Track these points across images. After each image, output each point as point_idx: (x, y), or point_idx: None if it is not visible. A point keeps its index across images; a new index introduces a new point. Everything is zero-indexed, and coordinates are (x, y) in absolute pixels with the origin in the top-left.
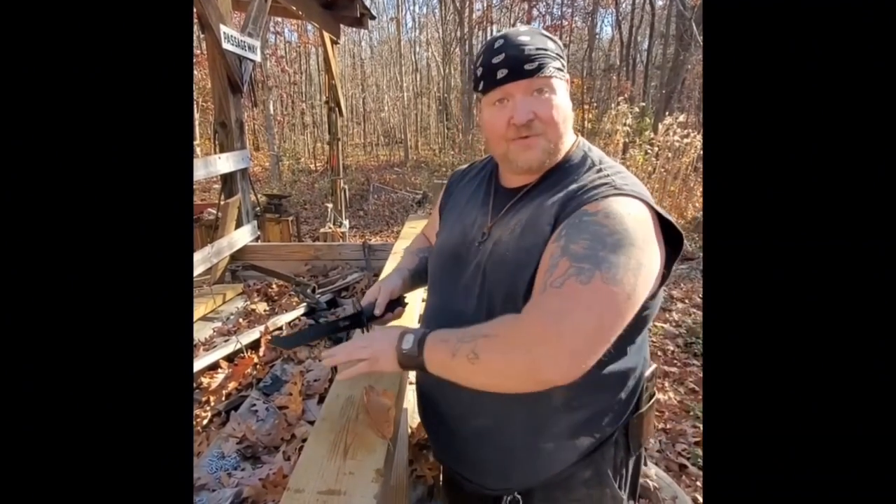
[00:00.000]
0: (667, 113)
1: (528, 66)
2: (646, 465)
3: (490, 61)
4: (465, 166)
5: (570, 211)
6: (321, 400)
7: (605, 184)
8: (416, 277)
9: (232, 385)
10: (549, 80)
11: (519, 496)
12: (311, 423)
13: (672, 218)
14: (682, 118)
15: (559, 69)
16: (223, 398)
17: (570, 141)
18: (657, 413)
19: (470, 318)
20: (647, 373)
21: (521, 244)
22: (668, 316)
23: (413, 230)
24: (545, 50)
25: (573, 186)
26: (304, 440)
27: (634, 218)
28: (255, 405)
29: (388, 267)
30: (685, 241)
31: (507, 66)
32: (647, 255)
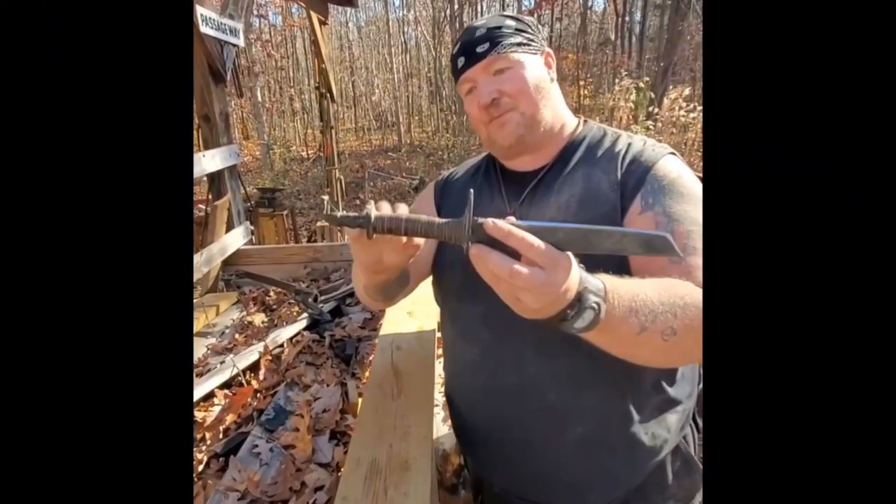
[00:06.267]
0: (667, 86)
1: (479, 49)
2: None
3: (452, 54)
4: (445, 173)
5: (638, 174)
6: (332, 436)
7: (652, 146)
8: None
9: (230, 418)
10: (506, 56)
11: None
12: (322, 465)
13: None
14: (687, 91)
15: (521, 44)
16: (220, 435)
17: (561, 112)
18: None
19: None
20: None
21: (582, 218)
22: None
23: None
24: (499, 28)
25: (620, 151)
26: (317, 489)
27: (688, 171)
28: (256, 445)
29: None
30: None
31: (462, 53)
32: None
